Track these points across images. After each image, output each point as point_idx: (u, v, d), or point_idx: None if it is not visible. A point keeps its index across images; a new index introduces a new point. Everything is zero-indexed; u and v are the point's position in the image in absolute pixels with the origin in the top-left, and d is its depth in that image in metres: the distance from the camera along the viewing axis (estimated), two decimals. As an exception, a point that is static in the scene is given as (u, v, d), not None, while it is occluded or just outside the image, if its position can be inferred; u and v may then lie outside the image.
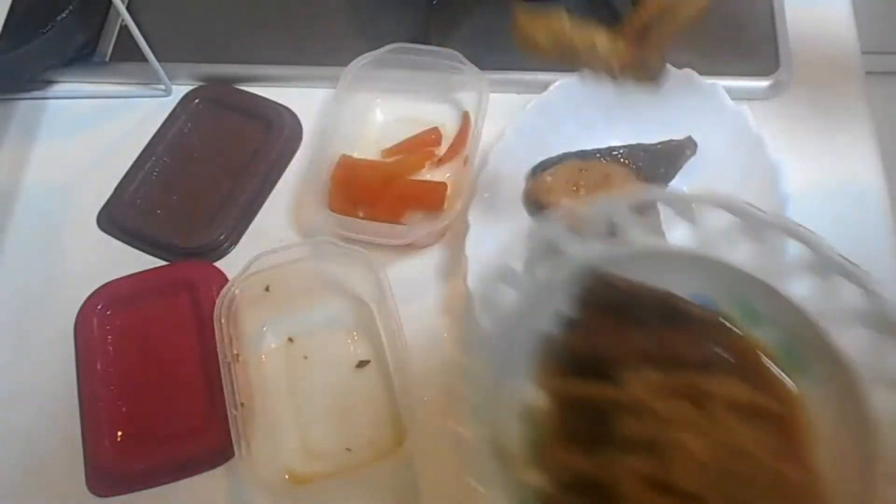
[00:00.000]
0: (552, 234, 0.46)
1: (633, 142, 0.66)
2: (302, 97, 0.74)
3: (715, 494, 0.41)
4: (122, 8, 0.68)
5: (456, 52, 0.68)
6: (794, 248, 0.45)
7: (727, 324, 0.47)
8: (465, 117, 0.70)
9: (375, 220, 0.65)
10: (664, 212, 0.47)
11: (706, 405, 0.43)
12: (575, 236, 0.47)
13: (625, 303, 0.47)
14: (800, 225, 0.45)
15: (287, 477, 0.57)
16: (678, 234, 0.47)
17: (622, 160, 0.65)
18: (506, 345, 0.46)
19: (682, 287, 0.47)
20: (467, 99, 0.70)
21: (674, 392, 0.44)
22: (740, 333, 0.47)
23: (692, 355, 0.45)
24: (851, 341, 0.44)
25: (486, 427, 0.43)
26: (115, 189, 0.70)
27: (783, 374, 0.46)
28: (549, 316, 0.48)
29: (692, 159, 0.65)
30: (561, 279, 0.47)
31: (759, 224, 0.45)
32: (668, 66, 0.48)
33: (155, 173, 0.70)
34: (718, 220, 0.46)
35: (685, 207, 0.46)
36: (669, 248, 0.48)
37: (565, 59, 0.51)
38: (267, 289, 0.62)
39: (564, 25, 0.51)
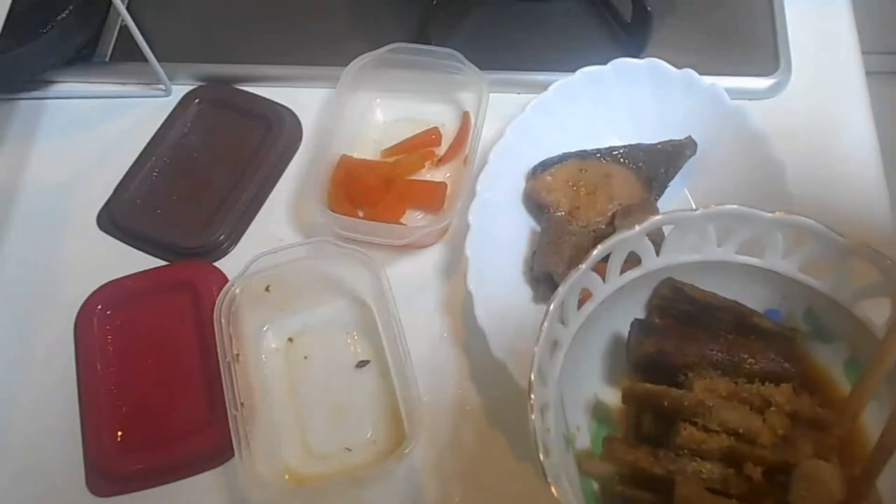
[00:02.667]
0: (632, 242, 0.47)
1: (633, 142, 0.66)
2: (302, 97, 0.74)
3: (768, 499, 0.43)
4: (122, 8, 0.68)
5: (456, 52, 0.68)
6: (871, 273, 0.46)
7: (796, 339, 0.49)
8: (465, 117, 0.70)
9: (375, 220, 0.65)
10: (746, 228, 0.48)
11: (767, 412, 0.45)
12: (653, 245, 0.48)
13: (697, 312, 0.49)
14: (878, 252, 0.45)
15: (287, 477, 0.57)
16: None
17: (622, 160, 0.65)
18: (581, 343, 0.48)
19: (755, 300, 0.49)
20: (467, 99, 0.70)
21: (737, 397, 0.46)
22: (807, 349, 0.49)
23: (758, 365, 0.47)
24: None
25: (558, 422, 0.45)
26: (115, 189, 0.70)
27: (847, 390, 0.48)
28: (624, 319, 0.50)
29: (692, 159, 0.65)
30: (637, 285, 0.49)
31: (837, 247, 0.46)
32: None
33: (155, 173, 0.70)
34: (798, 239, 0.47)
35: (768, 230, 0.47)
36: (745, 263, 0.49)
37: None
38: (267, 289, 0.62)
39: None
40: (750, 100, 0.69)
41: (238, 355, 0.58)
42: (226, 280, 0.65)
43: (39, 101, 0.76)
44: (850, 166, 0.67)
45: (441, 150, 0.69)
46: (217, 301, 0.59)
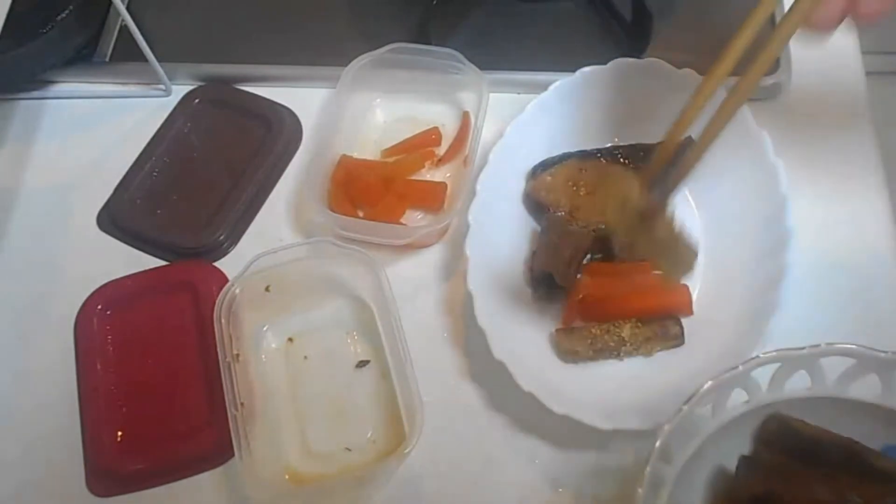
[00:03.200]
0: (737, 377, 0.47)
1: (633, 142, 0.66)
2: (302, 97, 0.74)
3: None
4: (122, 8, 0.68)
5: (456, 52, 0.68)
6: None
7: None
8: (465, 117, 0.70)
9: (375, 220, 0.65)
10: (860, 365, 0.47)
11: None
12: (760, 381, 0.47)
13: (807, 448, 0.47)
14: None
15: (287, 477, 0.57)
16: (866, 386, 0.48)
17: (622, 160, 0.65)
18: (685, 478, 0.47)
19: (871, 438, 0.47)
20: (467, 99, 0.70)
21: None
22: None
23: None
24: None
25: None
26: (115, 189, 0.70)
27: None
28: (728, 452, 0.49)
29: (692, 159, 0.65)
30: (744, 421, 0.48)
31: None
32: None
33: (155, 173, 0.70)
34: None
35: (884, 367, 0.46)
36: (860, 399, 0.48)
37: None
38: (267, 289, 0.62)
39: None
40: (750, 100, 0.68)
41: (238, 355, 0.58)
42: (226, 280, 0.65)
43: (39, 101, 0.76)
44: (850, 166, 0.67)
45: (441, 150, 0.69)
46: (217, 301, 0.59)
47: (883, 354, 0.46)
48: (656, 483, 0.45)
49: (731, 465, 0.49)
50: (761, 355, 0.47)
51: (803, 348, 0.47)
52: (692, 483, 0.48)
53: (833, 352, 0.47)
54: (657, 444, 0.45)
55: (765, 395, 0.48)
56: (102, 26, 0.78)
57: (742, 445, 0.49)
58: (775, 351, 0.47)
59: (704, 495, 0.49)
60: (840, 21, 0.47)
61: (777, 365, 0.48)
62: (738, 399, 0.48)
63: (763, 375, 0.48)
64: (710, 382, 0.46)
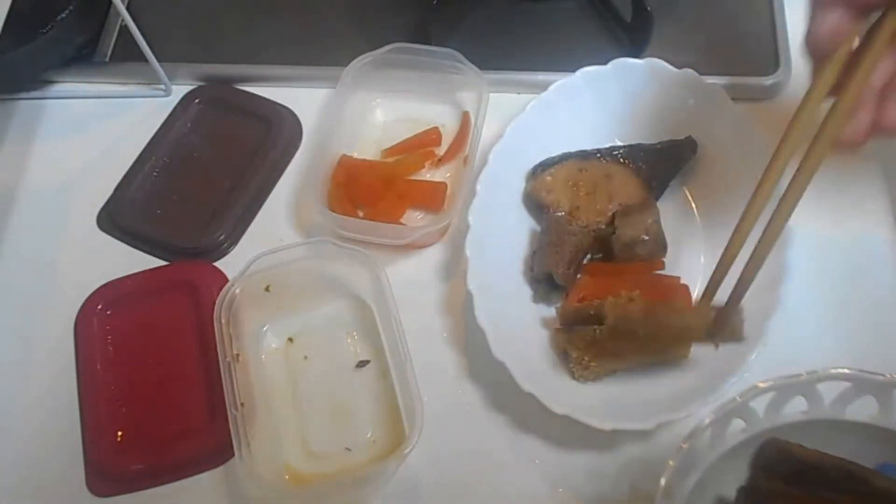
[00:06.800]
0: (736, 408, 0.47)
1: (633, 142, 0.66)
2: (302, 97, 0.74)
3: None
4: (122, 8, 0.68)
5: (456, 52, 0.68)
6: None
7: None
8: (465, 117, 0.70)
9: (375, 220, 0.65)
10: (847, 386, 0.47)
11: None
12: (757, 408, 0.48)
13: (806, 472, 0.47)
14: None
15: (287, 477, 0.57)
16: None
17: (622, 160, 0.65)
18: None
19: (869, 457, 0.47)
20: (467, 99, 0.70)
21: None
22: None
23: None
24: None
25: None
26: (115, 189, 0.70)
27: None
28: (728, 480, 0.49)
29: (692, 159, 0.65)
30: (743, 448, 0.48)
31: None
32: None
33: (155, 173, 0.70)
34: None
35: (881, 389, 0.46)
36: (854, 420, 0.48)
37: None
38: (267, 289, 0.62)
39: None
40: (750, 100, 0.69)
41: (238, 355, 0.58)
42: (226, 280, 0.65)
43: (39, 101, 0.76)
44: (850, 166, 0.67)
45: (441, 150, 0.69)
46: (217, 301, 0.59)
47: (880, 378, 0.46)
48: None
49: (731, 493, 0.49)
50: (759, 385, 0.46)
51: (801, 375, 0.47)
52: None
53: (830, 377, 0.47)
54: (662, 482, 0.45)
55: (762, 421, 0.48)
56: (102, 26, 0.78)
57: (741, 472, 0.49)
58: (772, 380, 0.47)
59: None
60: (868, 136, 0.48)
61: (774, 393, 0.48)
62: (735, 427, 0.48)
63: (759, 402, 0.48)
64: (708, 419, 0.46)
